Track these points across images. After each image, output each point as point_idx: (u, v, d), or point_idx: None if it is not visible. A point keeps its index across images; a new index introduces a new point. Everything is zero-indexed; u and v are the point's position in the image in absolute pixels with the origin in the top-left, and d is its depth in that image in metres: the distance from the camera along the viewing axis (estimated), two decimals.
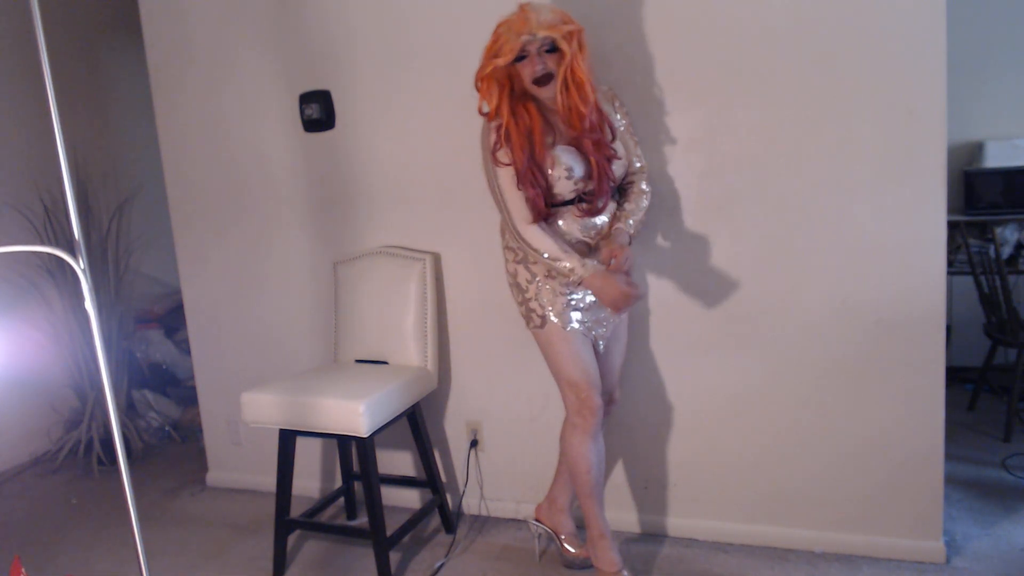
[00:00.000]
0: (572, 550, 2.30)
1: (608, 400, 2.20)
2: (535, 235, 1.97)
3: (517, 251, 2.07)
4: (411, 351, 2.55)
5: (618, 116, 2.06)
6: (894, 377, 2.16)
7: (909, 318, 2.12)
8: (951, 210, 3.62)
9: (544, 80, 1.89)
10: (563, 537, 2.32)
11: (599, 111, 1.96)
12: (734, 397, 2.34)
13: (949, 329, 3.53)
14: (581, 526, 2.36)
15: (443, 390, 2.70)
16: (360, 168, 2.69)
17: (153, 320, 4.20)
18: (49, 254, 3.50)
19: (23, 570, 1.56)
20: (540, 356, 2.49)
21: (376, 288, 2.60)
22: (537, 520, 2.37)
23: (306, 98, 2.69)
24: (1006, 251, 3.73)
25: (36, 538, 2.81)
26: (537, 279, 2.05)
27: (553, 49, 1.87)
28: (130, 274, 3.79)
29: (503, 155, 1.96)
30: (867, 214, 2.11)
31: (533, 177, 1.94)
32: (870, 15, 2.03)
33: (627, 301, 1.92)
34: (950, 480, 2.54)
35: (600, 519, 2.11)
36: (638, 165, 2.11)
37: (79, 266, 1.48)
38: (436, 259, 2.61)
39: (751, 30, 2.13)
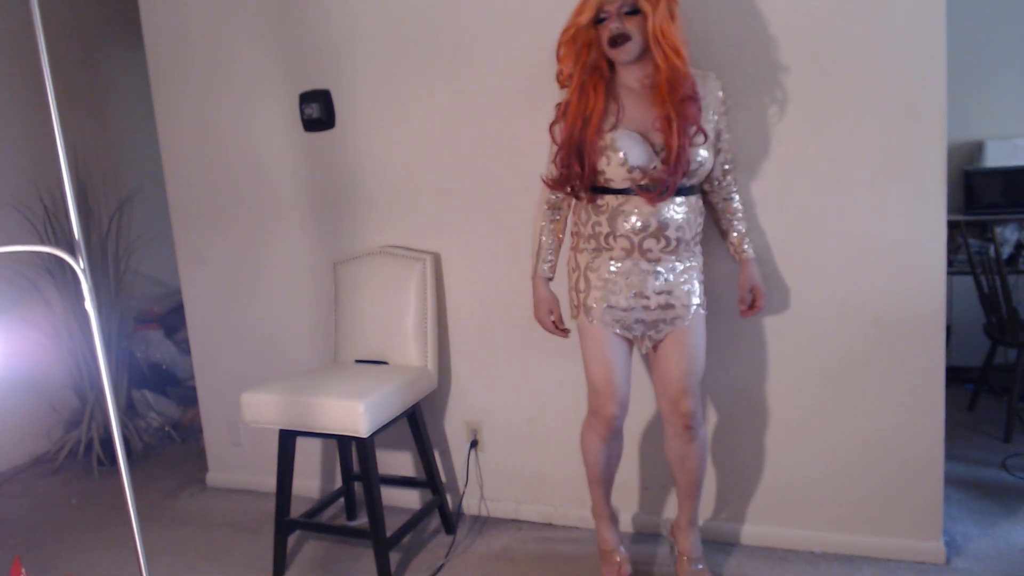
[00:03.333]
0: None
1: (672, 410, 2.02)
2: (538, 214, 2.11)
3: (575, 237, 2.06)
4: (411, 351, 2.55)
5: (717, 108, 1.94)
6: (894, 377, 2.16)
7: (909, 318, 2.12)
8: (951, 210, 3.62)
9: (619, 41, 1.79)
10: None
11: (694, 85, 1.83)
12: (733, 397, 2.33)
13: (949, 329, 3.53)
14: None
15: (443, 390, 2.70)
16: (360, 168, 2.69)
17: (153, 320, 4.19)
18: (49, 254, 3.50)
19: (23, 570, 1.57)
20: (540, 356, 2.52)
21: (376, 288, 2.60)
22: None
23: (306, 98, 2.69)
24: (1006, 251, 3.73)
25: (36, 538, 2.81)
26: (582, 267, 2.01)
27: (635, 11, 1.77)
28: (130, 274, 3.79)
29: (557, 131, 1.93)
30: (867, 214, 2.11)
31: (568, 159, 1.89)
32: (870, 15, 2.03)
33: (542, 326, 2.15)
34: (950, 480, 2.53)
35: (602, 502, 2.19)
36: (727, 167, 2.04)
37: (79, 266, 1.48)
38: (436, 259, 2.61)
39: (751, 30, 2.13)
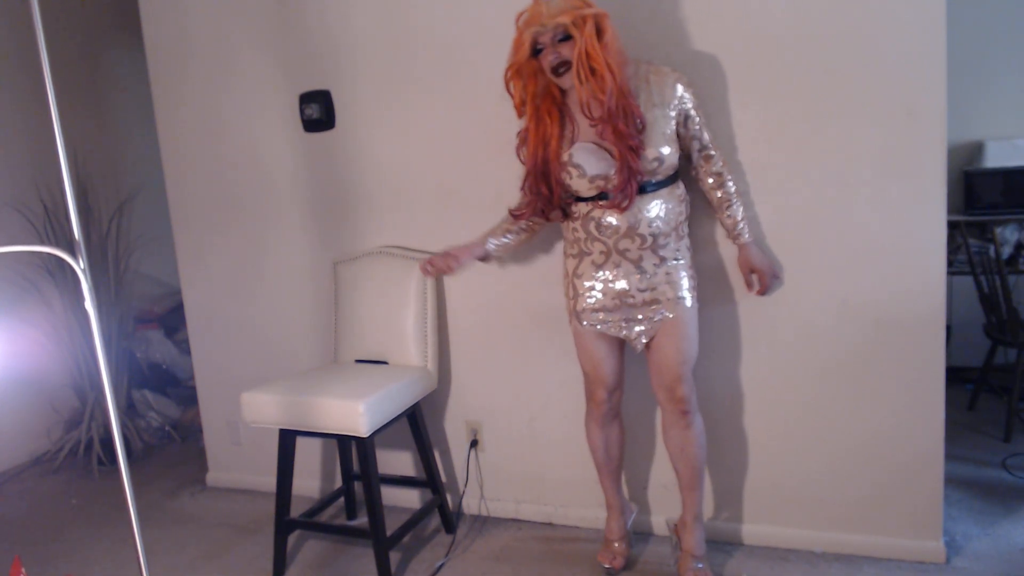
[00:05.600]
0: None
1: (668, 398, 2.07)
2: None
3: (564, 242, 2.14)
4: (411, 351, 2.55)
5: (677, 104, 1.95)
6: (894, 377, 2.16)
7: (909, 318, 2.12)
8: (951, 210, 3.62)
9: (560, 69, 1.87)
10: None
11: (625, 97, 1.87)
12: (733, 397, 2.34)
13: (949, 329, 3.53)
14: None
15: (443, 390, 2.70)
16: (360, 168, 2.69)
17: (153, 320, 4.20)
18: (49, 254, 3.50)
19: (23, 570, 1.56)
20: (540, 356, 2.52)
21: (376, 288, 2.60)
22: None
23: (306, 98, 2.69)
24: (1006, 251, 3.73)
25: (36, 538, 2.81)
26: (570, 273, 2.11)
27: (568, 37, 1.84)
28: (130, 274, 3.79)
29: (524, 156, 2.03)
30: (867, 214, 2.11)
31: (536, 185, 2.00)
32: (870, 15, 2.03)
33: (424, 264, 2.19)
34: (950, 480, 2.53)
35: (608, 492, 2.30)
36: (710, 153, 2.04)
37: (79, 266, 1.48)
38: None
39: (751, 31, 2.13)
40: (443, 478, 2.75)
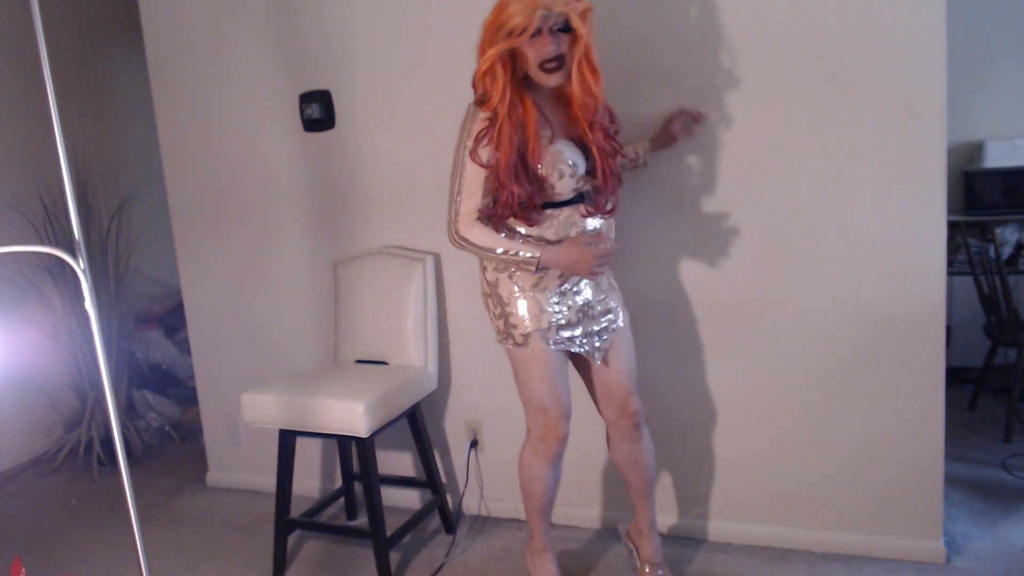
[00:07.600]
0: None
1: (620, 414, 2.00)
2: (480, 234, 1.80)
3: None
4: (411, 351, 2.55)
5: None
6: (894, 377, 2.16)
7: (909, 318, 2.12)
8: (951, 210, 3.62)
9: (554, 63, 1.70)
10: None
11: (606, 109, 1.86)
12: (734, 398, 2.34)
13: (949, 329, 3.52)
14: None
15: (443, 390, 2.70)
16: (360, 168, 2.69)
17: (153, 320, 4.20)
18: (49, 254, 3.50)
19: (23, 570, 1.56)
20: None
21: (376, 288, 2.60)
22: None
23: (306, 98, 2.69)
24: (1006, 251, 3.73)
25: (36, 538, 2.81)
26: (523, 289, 1.85)
27: (566, 28, 1.68)
28: (130, 274, 3.79)
29: (484, 152, 1.76)
30: (867, 214, 2.11)
31: (518, 179, 1.73)
32: (870, 15, 2.03)
33: (596, 262, 1.78)
34: (950, 480, 2.53)
35: (545, 535, 2.08)
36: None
37: (79, 266, 1.48)
38: (436, 259, 2.61)
39: (751, 30, 2.13)
40: (443, 478, 2.75)
